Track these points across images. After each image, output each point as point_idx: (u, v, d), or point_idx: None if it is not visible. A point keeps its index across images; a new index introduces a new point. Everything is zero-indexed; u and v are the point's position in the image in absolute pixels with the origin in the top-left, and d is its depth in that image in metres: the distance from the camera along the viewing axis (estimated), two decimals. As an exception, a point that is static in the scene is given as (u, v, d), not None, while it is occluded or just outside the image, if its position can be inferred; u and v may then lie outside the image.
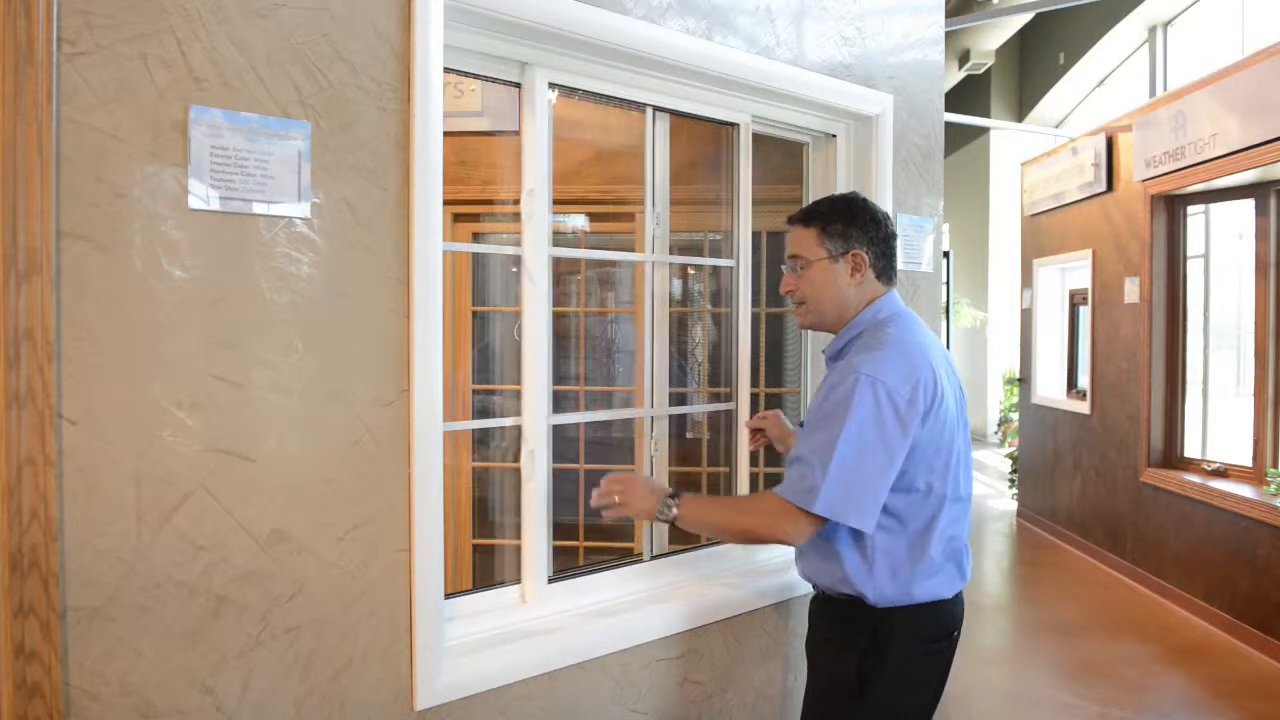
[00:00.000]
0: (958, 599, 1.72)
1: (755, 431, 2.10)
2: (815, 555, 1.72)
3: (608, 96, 1.99)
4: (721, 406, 2.31)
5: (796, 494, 1.55)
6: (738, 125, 2.24)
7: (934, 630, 1.68)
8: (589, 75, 1.93)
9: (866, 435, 1.52)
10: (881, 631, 1.64)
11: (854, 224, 1.72)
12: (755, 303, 2.25)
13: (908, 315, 1.72)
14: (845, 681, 1.67)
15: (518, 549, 1.91)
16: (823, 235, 1.72)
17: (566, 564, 2.01)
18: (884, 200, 2.41)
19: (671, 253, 2.23)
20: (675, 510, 1.64)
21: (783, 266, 1.80)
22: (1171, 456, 4.93)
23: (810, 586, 1.83)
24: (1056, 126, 8.08)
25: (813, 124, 2.38)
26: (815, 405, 1.63)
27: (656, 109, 2.09)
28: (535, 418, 1.89)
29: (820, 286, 1.72)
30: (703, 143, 2.44)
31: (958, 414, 1.68)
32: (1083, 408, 5.77)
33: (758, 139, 2.42)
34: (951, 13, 6.43)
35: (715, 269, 2.49)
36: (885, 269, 1.74)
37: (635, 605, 1.99)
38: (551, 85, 1.88)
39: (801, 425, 1.75)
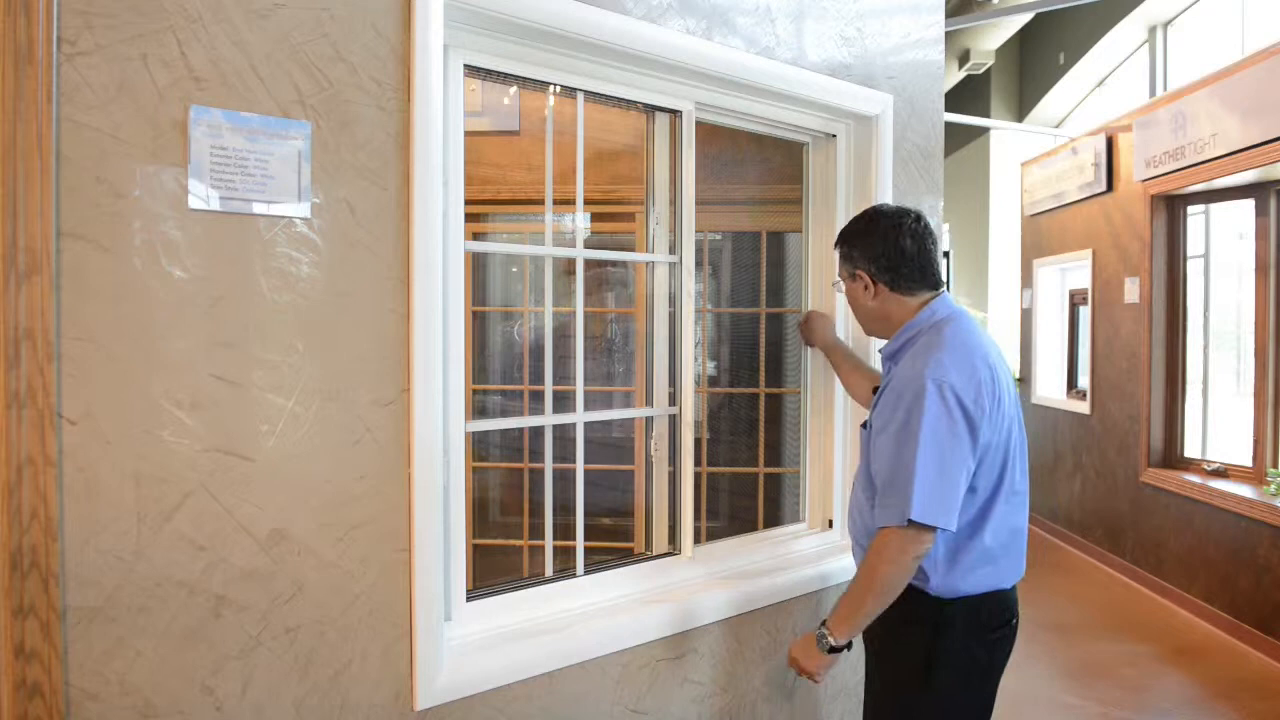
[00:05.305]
0: (1014, 588, 1.76)
1: (802, 326, 2.24)
2: None
3: (522, 78, 1.85)
4: (659, 412, 2.26)
5: (897, 517, 1.58)
6: (680, 113, 2.11)
7: (992, 619, 1.72)
8: (505, 56, 1.78)
9: (942, 439, 1.57)
10: (943, 621, 1.68)
11: (855, 245, 1.78)
12: (756, 303, 2.24)
13: (962, 315, 1.74)
14: (909, 672, 1.71)
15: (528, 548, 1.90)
16: (841, 257, 1.81)
17: (568, 563, 2.01)
18: (884, 200, 2.41)
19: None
20: (827, 630, 1.68)
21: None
22: (1171, 456, 4.93)
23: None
24: (1056, 126, 8.07)
25: (813, 124, 2.38)
26: (884, 408, 1.67)
27: (587, 93, 1.95)
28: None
29: (851, 303, 1.84)
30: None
31: (1014, 410, 1.72)
32: (1083, 408, 5.77)
33: (758, 139, 2.41)
34: (951, 13, 6.42)
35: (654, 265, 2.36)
36: (900, 280, 1.75)
37: (634, 606, 1.99)
38: (467, 67, 1.74)
39: (865, 426, 1.80)
